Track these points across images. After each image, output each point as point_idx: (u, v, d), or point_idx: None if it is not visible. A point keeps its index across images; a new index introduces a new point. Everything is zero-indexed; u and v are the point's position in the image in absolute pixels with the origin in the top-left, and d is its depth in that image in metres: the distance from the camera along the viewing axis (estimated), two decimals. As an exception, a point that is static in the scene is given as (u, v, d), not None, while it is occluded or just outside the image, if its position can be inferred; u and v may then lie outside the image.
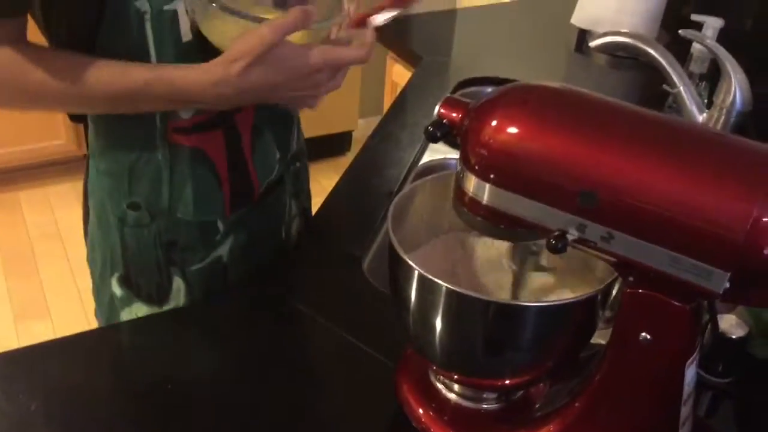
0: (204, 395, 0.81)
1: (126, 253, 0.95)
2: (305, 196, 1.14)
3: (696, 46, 1.35)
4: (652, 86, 1.38)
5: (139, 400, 0.80)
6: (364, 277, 0.99)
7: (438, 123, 0.66)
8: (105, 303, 1.01)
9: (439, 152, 1.29)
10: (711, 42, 1.12)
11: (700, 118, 1.15)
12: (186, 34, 0.80)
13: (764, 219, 0.53)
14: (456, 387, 0.78)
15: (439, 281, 0.67)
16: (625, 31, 1.17)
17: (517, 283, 0.74)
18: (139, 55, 0.79)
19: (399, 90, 1.86)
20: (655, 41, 1.16)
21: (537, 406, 0.77)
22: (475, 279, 0.79)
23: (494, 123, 0.61)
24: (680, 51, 1.24)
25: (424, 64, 1.61)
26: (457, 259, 0.80)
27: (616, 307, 0.66)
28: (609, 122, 0.59)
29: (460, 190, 0.66)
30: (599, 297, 0.66)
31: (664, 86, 1.20)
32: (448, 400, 0.79)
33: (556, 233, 0.60)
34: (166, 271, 0.96)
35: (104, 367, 0.86)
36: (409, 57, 1.71)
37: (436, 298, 0.69)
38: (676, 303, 0.60)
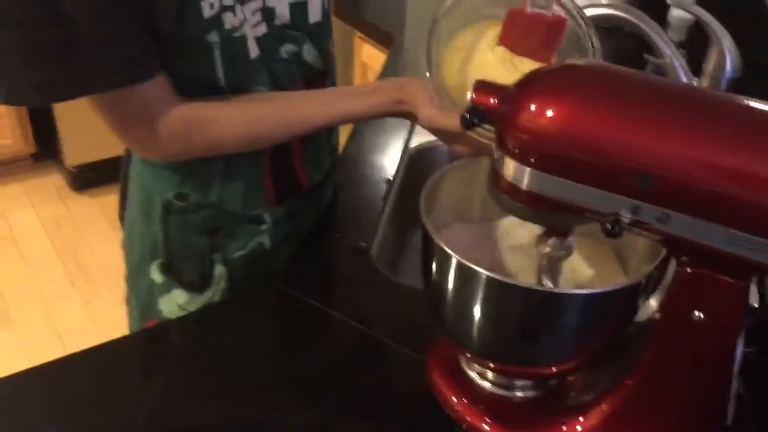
0: (225, 402, 0.78)
1: (168, 241, 0.94)
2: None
3: (673, 14, 1.36)
4: (630, 57, 1.38)
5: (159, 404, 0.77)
6: (373, 267, 0.96)
7: (473, 109, 0.64)
8: (142, 290, 0.99)
9: (426, 135, 1.27)
10: (698, 9, 1.12)
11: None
12: (254, 51, 0.82)
13: (826, 191, 0.52)
14: (490, 375, 0.77)
15: (480, 269, 0.65)
16: (604, 2, 1.17)
17: (547, 269, 0.72)
18: (208, 79, 0.82)
19: (369, 71, 1.83)
20: (639, 11, 1.16)
21: (573, 393, 0.76)
22: (504, 264, 0.77)
23: (540, 106, 0.59)
24: (653, 19, 1.24)
25: (398, 44, 1.58)
26: (485, 244, 0.78)
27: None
28: (659, 100, 0.58)
29: (497, 176, 0.64)
30: (644, 283, 0.65)
31: (646, 56, 1.19)
32: (482, 388, 0.78)
33: (610, 217, 0.58)
34: (209, 258, 0.95)
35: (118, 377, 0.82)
36: (378, 36, 1.68)
37: (475, 286, 0.67)
38: (730, 280, 0.59)
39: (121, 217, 1.02)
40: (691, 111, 0.57)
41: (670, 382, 0.66)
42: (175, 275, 0.96)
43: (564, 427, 0.71)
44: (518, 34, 0.75)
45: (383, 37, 1.65)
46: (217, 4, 0.77)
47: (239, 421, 0.76)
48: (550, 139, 0.59)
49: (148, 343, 0.89)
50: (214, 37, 0.78)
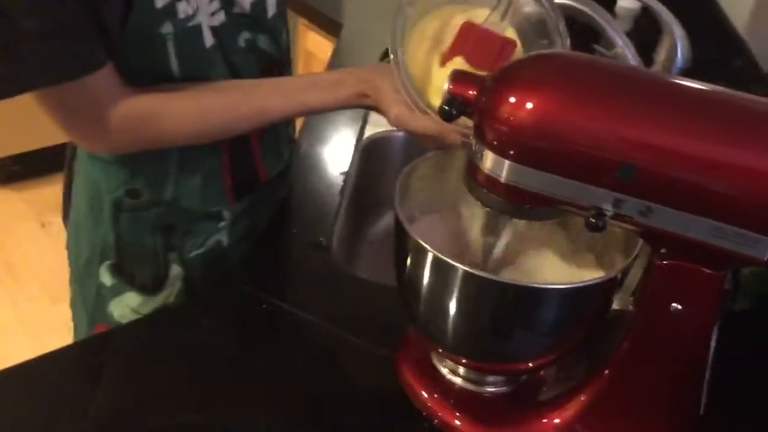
0: (194, 410, 0.74)
1: (119, 241, 0.89)
2: None
3: (621, 4, 1.37)
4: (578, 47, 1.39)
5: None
6: (334, 263, 0.94)
7: (451, 100, 0.62)
8: (90, 293, 0.94)
9: (380, 125, 1.25)
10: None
11: (640, 76, 1.17)
12: (209, 40, 0.78)
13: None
14: (461, 370, 0.76)
15: (457, 264, 0.63)
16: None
17: (515, 261, 0.71)
18: (161, 71, 0.78)
19: (314, 60, 1.79)
20: (590, 0, 1.16)
21: (545, 387, 0.75)
22: (476, 255, 0.76)
23: (520, 97, 0.58)
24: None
25: (346, 32, 1.54)
26: (457, 236, 0.77)
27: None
28: (640, 90, 0.57)
29: (474, 168, 0.62)
30: (620, 276, 0.64)
31: (594, 46, 1.20)
32: (453, 383, 0.77)
33: (592, 211, 0.58)
34: (164, 258, 0.91)
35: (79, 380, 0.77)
36: (324, 24, 1.64)
37: (451, 281, 0.66)
38: (709, 271, 0.59)
39: (66, 216, 0.96)
40: (673, 101, 0.56)
41: (646, 372, 0.66)
42: (126, 277, 0.92)
43: (541, 421, 0.71)
44: (471, 47, 0.73)
45: (329, 25, 1.62)
46: None
47: (203, 427, 0.72)
48: (529, 130, 0.58)
49: (97, 349, 0.83)
50: (167, 28, 0.74)
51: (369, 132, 1.24)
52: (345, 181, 1.08)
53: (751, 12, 1.58)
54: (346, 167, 1.12)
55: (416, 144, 0.81)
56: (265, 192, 0.96)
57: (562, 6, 1.15)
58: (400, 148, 1.24)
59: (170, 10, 0.73)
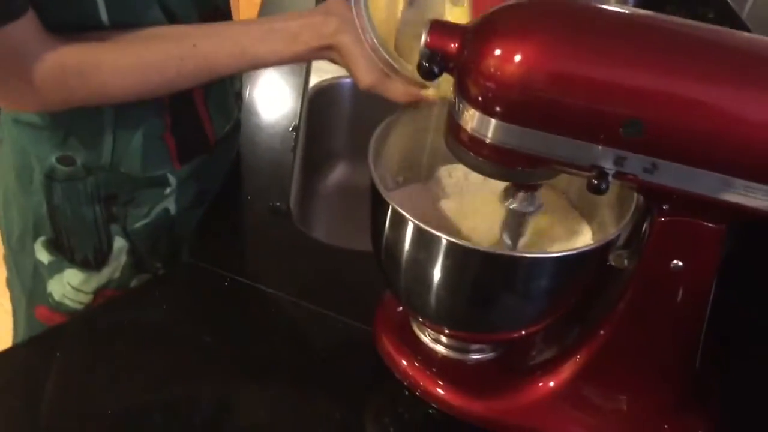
0: (162, 398, 0.68)
1: (54, 213, 0.81)
2: None
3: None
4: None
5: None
6: (296, 229, 0.87)
7: (431, 56, 0.55)
8: (26, 271, 0.86)
9: (326, 72, 1.17)
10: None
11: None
12: None
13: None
14: (444, 338, 0.72)
15: (442, 235, 0.58)
16: None
17: (512, 226, 0.66)
18: (88, 21, 0.70)
19: (249, 5, 1.67)
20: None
21: (534, 351, 0.72)
22: (460, 221, 0.71)
23: (507, 46, 0.52)
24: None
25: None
26: (438, 200, 0.72)
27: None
28: (642, 36, 0.52)
29: (457, 129, 0.57)
30: (616, 239, 0.61)
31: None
32: (435, 352, 0.73)
33: (590, 171, 0.53)
34: (105, 231, 0.83)
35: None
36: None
37: (434, 252, 0.60)
38: (712, 225, 0.56)
39: None
40: (679, 45, 0.51)
41: (644, 330, 0.63)
42: (65, 253, 0.84)
43: (535, 385, 0.68)
44: None
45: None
46: None
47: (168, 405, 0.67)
48: (524, 85, 0.52)
49: (48, 347, 0.75)
50: None
51: (314, 79, 1.16)
52: (296, 137, 1.01)
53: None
54: (293, 121, 1.04)
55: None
56: (214, 154, 0.88)
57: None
58: (348, 95, 1.17)
59: None
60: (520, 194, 0.61)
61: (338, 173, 1.17)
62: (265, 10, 1.33)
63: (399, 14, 0.70)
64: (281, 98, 1.08)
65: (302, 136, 1.03)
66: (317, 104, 1.12)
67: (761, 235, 0.73)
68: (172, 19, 0.74)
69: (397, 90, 0.69)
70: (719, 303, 0.62)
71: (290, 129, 1.02)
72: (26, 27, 0.65)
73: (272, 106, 1.07)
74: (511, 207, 0.62)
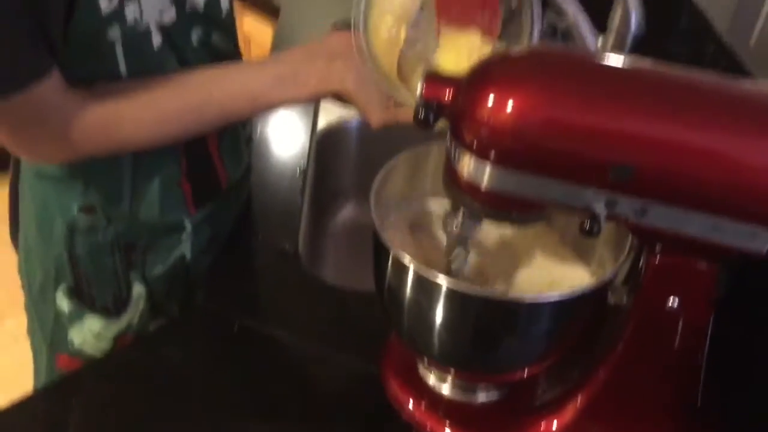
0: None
1: (75, 263, 0.83)
2: None
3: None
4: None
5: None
6: (304, 271, 0.89)
7: (426, 105, 0.57)
8: (48, 320, 0.88)
9: (333, 113, 1.19)
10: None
11: (595, 45, 1.14)
12: (157, 40, 0.72)
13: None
14: (450, 380, 0.73)
15: (443, 280, 0.60)
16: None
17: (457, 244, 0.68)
18: (108, 75, 0.72)
19: (252, 44, 1.71)
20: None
21: (539, 392, 0.73)
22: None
23: (500, 94, 0.53)
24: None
25: (285, 16, 1.47)
26: (436, 240, 0.73)
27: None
28: (629, 83, 0.54)
29: (453, 173, 0.58)
30: (614, 277, 0.62)
31: (551, 18, 1.17)
32: (441, 393, 0.74)
33: (586, 214, 0.54)
34: (125, 278, 0.85)
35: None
36: (261, 5, 1.57)
37: (436, 296, 0.62)
38: (705, 264, 0.57)
39: (14, 238, 0.90)
40: (666, 95, 0.53)
41: (643, 370, 0.64)
42: (86, 301, 0.86)
43: (538, 426, 0.69)
44: (456, 8, 0.68)
45: (267, 7, 1.54)
46: None
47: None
48: (517, 132, 0.54)
49: (64, 394, 0.77)
50: (114, 33, 0.68)
51: (322, 120, 1.19)
52: (304, 179, 1.03)
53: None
54: (302, 162, 1.07)
55: (371, 131, 0.77)
56: (227, 198, 0.91)
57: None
58: (355, 135, 1.20)
59: (118, 15, 0.67)
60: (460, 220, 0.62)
61: (346, 213, 1.19)
62: (274, 51, 1.36)
63: (401, 38, 0.72)
64: (290, 139, 1.11)
65: (311, 177, 1.06)
66: (325, 145, 1.14)
67: (758, 272, 0.74)
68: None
69: (409, 115, 0.71)
70: (719, 339, 0.63)
71: (298, 174, 1.04)
72: (52, 86, 0.67)
73: (281, 147, 1.10)
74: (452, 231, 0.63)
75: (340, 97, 0.78)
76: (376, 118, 0.74)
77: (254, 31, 1.65)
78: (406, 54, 0.72)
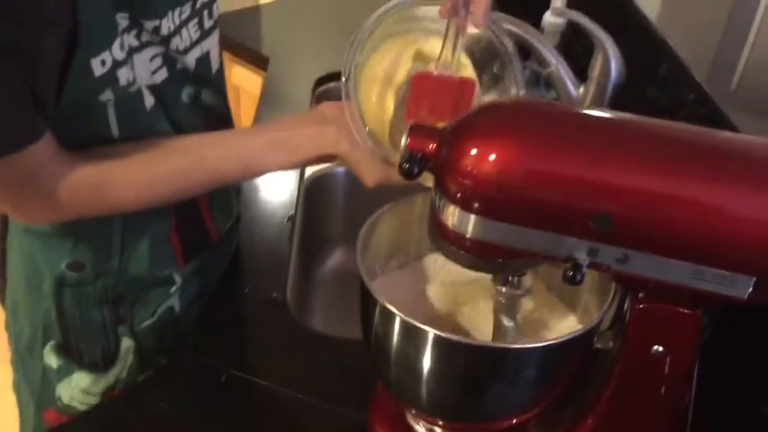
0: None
1: (63, 318, 0.83)
2: None
3: (547, 20, 1.37)
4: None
5: None
6: (292, 320, 0.89)
7: (410, 157, 0.59)
8: (35, 376, 0.87)
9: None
10: (580, 16, 1.13)
11: (576, 93, 1.17)
12: (149, 101, 0.73)
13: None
14: (438, 429, 0.73)
15: (429, 329, 0.60)
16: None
17: (506, 309, 0.68)
18: (100, 136, 0.73)
19: (242, 94, 1.73)
20: (520, 21, 1.15)
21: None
22: (450, 307, 0.73)
23: (482, 147, 0.55)
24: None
25: (273, 66, 1.49)
26: (421, 285, 0.74)
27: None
28: (610, 136, 0.55)
29: (439, 224, 0.60)
30: (600, 323, 0.63)
31: (526, 64, 1.19)
32: (431, 442, 0.73)
33: (569, 263, 0.55)
34: (113, 332, 0.84)
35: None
36: (250, 57, 1.59)
37: (422, 344, 0.62)
38: (688, 311, 0.58)
39: (2, 295, 0.89)
40: (644, 143, 0.54)
41: (631, 415, 0.64)
42: (74, 356, 0.85)
43: (527, 475, 0.68)
44: (429, 101, 0.70)
45: (256, 58, 1.57)
46: (109, 61, 0.67)
47: None
48: (500, 184, 0.55)
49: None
50: (107, 96, 0.69)
51: (310, 168, 1.20)
52: (292, 226, 1.04)
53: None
54: (290, 210, 1.08)
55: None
56: (217, 249, 0.91)
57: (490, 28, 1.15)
58: (342, 183, 1.21)
59: (110, 78, 0.68)
60: (511, 278, 0.63)
61: (335, 260, 1.20)
62: (264, 100, 1.38)
63: (390, 105, 0.74)
64: (277, 188, 1.12)
65: (299, 225, 1.06)
66: (313, 192, 1.16)
67: (741, 316, 0.75)
68: (178, 128, 0.78)
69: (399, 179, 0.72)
70: (705, 382, 0.64)
71: (286, 220, 1.05)
72: (45, 148, 0.67)
73: (269, 194, 1.11)
74: (504, 290, 0.64)
75: (329, 160, 0.79)
76: (371, 181, 0.75)
77: (244, 82, 1.67)
78: (396, 118, 0.74)
